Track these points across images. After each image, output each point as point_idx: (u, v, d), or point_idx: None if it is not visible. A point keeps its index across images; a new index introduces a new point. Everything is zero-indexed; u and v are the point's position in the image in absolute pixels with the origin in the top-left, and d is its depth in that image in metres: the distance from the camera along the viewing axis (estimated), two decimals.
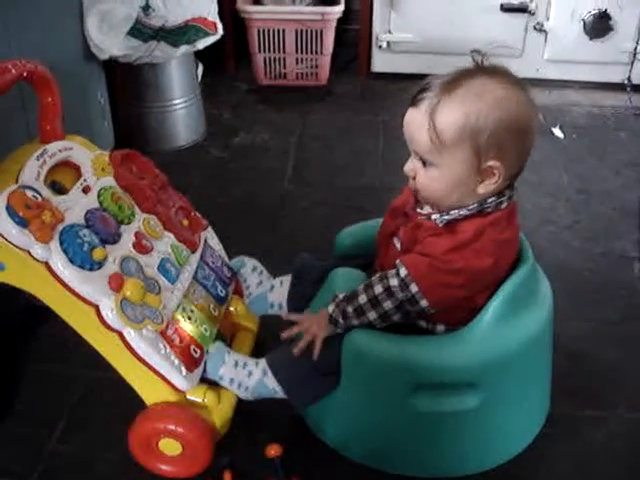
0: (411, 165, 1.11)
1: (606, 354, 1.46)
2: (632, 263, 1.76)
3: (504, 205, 1.10)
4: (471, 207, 1.09)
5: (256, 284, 1.40)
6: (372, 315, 1.12)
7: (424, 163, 1.08)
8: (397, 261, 1.12)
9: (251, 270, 1.41)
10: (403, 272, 1.09)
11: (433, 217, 1.11)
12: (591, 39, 2.66)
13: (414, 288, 1.09)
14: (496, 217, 1.09)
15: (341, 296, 1.15)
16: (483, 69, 1.06)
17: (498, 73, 1.05)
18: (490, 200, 1.09)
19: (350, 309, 1.13)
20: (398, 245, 1.18)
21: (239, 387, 1.19)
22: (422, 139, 1.06)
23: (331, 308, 1.14)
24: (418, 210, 1.15)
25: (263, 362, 1.20)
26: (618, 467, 1.23)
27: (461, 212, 1.09)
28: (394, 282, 1.10)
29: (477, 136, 1.03)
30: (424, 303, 1.09)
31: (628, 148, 2.36)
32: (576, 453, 1.24)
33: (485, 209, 1.09)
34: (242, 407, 1.21)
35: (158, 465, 1.17)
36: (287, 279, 1.36)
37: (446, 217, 1.10)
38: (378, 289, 1.11)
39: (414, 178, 1.11)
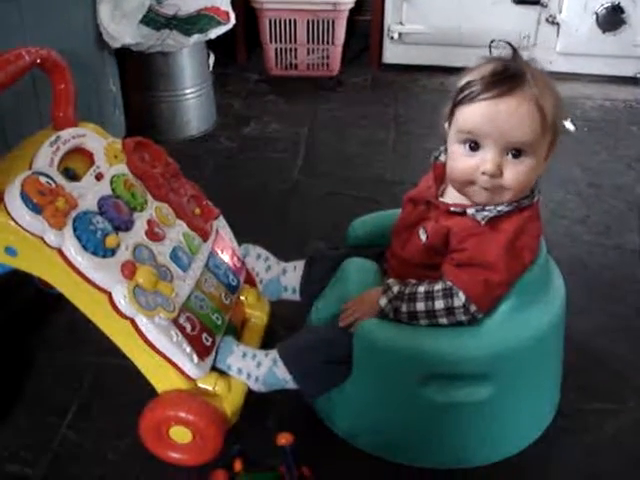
0: (495, 163, 1.04)
1: (616, 347, 1.46)
2: None
3: (535, 199, 1.11)
4: (508, 202, 1.08)
5: (265, 270, 1.38)
6: (423, 322, 1.12)
7: (515, 156, 1.05)
8: (449, 283, 1.10)
9: (256, 258, 1.39)
10: (462, 297, 1.09)
11: (469, 212, 1.10)
12: (604, 32, 2.65)
13: (473, 307, 1.10)
14: (531, 212, 1.10)
15: (395, 290, 1.14)
16: (523, 61, 1.08)
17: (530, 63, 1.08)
18: (526, 194, 1.09)
19: (404, 309, 1.12)
20: (423, 238, 1.16)
21: (248, 377, 1.19)
22: (526, 128, 1.03)
23: (384, 301, 1.13)
24: (441, 199, 1.15)
25: (273, 352, 1.19)
26: (627, 460, 1.22)
27: (499, 208, 1.08)
28: (458, 303, 1.10)
29: (559, 117, 1.07)
30: (479, 315, 1.11)
31: None
32: (585, 446, 1.24)
33: (521, 204, 1.09)
34: (253, 396, 1.21)
35: (168, 453, 1.17)
36: (300, 264, 1.35)
37: (487, 214, 1.08)
38: (439, 304, 1.10)
39: (500, 175, 1.05)
